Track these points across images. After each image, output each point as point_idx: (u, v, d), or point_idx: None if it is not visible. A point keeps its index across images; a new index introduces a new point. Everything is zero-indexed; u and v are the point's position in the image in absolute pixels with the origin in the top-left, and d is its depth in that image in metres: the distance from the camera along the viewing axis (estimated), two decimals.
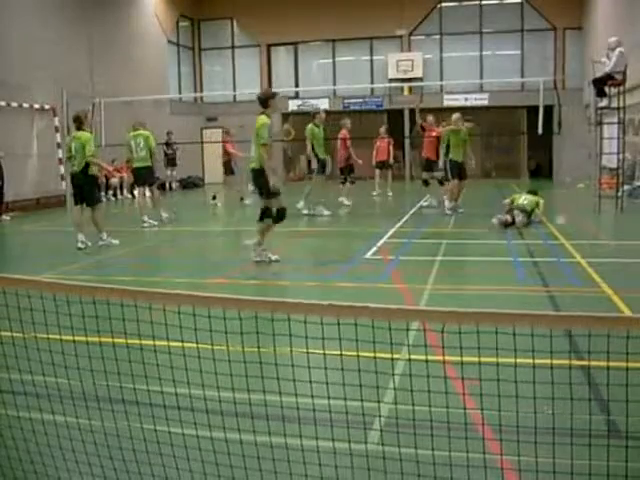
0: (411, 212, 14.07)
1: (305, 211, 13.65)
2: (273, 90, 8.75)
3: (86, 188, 9.78)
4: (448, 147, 13.32)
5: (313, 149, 13.39)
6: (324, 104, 26.06)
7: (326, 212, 13.51)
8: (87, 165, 9.60)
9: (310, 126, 13.56)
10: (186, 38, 27.23)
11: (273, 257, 8.28)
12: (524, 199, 11.28)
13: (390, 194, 17.89)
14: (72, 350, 2.87)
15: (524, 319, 1.92)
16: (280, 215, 8.22)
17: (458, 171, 13.15)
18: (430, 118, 15.53)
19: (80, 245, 9.62)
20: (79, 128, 9.77)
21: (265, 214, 8.20)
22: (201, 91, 27.69)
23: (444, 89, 25.33)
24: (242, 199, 16.29)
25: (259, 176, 8.10)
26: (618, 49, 12.72)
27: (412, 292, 6.54)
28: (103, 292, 2.38)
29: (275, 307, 2.15)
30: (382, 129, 18.30)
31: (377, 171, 18.23)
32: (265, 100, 8.12)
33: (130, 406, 3.01)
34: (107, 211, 13.28)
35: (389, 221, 12.24)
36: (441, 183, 14.42)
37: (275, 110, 8.32)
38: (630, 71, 12.84)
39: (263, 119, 8.00)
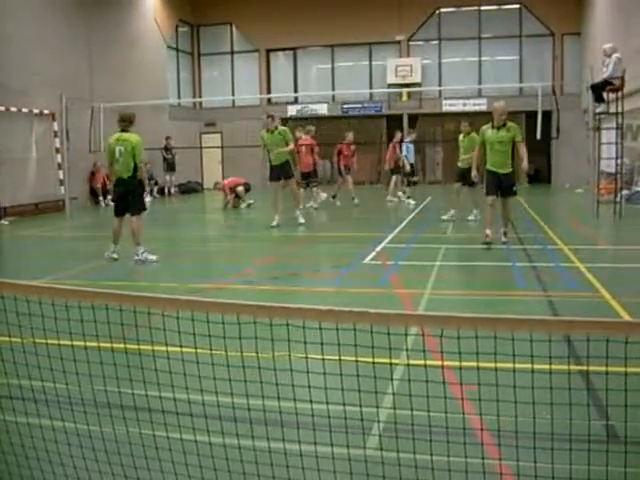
0: (409, 217, 14.08)
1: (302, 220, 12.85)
2: None
3: (135, 195, 9.05)
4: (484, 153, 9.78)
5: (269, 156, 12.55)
6: (323, 109, 26.18)
7: (274, 223, 12.47)
8: (135, 169, 8.89)
9: (261, 132, 12.80)
10: (185, 43, 27.28)
11: None
12: None
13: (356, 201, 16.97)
14: (70, 355, 2.86)
15: (523, 324, 1.92)
16: None
17: (496, 186, 9.50)
18: (303, 128, 16.46)
19: (115, 256, 9.04)
20: (124, 130, 8.95)
21: None
22: (200, 96, 27.72)
23: (442, 94, 25.38)
24: (334, 196, 17.55)
25: None
26: (615, 55, 12.77)
27: (411, 297, 6.54)
28: (102, 297, 2.38)
29: (274, 312, 2.14)
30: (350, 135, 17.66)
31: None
32: None
33: (128, 411, 3.00)
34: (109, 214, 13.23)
35: (388, 226, 12.24)
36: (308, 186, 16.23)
37: None
38: (628, 77, 12.89)
39: None
